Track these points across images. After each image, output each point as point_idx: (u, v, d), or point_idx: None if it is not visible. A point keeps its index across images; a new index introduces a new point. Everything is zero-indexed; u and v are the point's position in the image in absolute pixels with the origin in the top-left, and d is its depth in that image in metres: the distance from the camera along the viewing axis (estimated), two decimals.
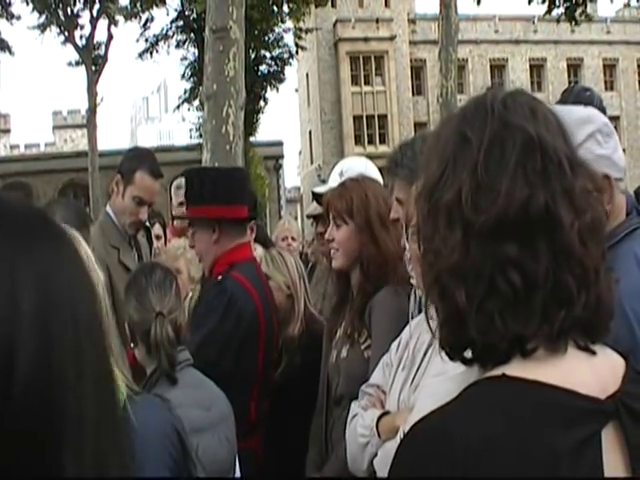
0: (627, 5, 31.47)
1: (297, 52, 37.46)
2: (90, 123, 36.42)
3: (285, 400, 4.54)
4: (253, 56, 33.79)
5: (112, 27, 37.12)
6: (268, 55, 36.68)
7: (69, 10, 36.34)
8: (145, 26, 35.66)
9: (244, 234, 4.74)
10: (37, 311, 0.87)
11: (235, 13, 10.58)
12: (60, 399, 0.87)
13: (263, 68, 36.56)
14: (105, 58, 37.41)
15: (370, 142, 63.32)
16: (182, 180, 8.05)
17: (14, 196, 3.02)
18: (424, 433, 1.39)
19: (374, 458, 2.97)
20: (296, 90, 71.82)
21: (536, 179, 1.38)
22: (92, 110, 36.26)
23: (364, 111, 64.74)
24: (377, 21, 65.15)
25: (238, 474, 3.78)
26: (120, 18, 36.23)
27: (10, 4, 35.34)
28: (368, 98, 64.99)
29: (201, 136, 26.56)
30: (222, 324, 4.32)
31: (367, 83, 65.36)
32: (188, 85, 37.02)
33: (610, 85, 70.64)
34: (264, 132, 43.01)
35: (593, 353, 1.40)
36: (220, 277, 4.48)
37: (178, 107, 38.26)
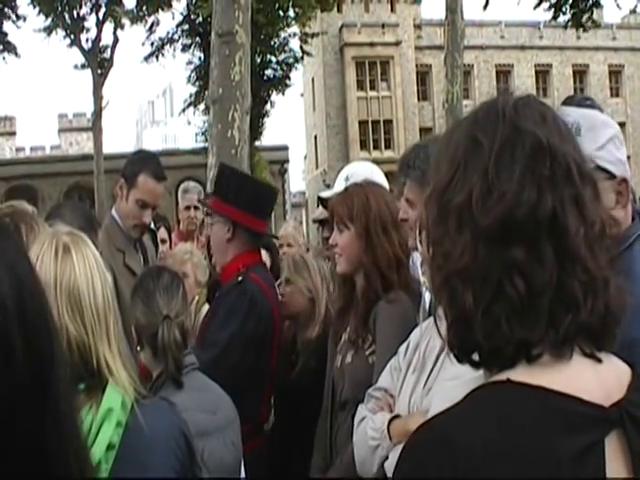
0: (633, 11, 31.41)
1: (303, 57, 37.46)
2: (96, 126, 36.46)
3: (297, 402, 4.57)
4: (259, 60, 33.80)
5: (118, 30, 37.15)
6: (274, 59, 36.67)
7: (75, 13, 36.39)
8: (151, 30, 35.69)
9: (255, 245, 4.82)
10: (14, 292, 1.12)
11: (241, 17, 10.60)
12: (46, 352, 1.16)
13: (269, 72, 36.56)
14: (111, 61, 37.44)
15: (375, 147, 63.33)
16: (189, 184, 8.11)
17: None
18: (427, 437, 1.40)
19: (385, 461, 2.96)
20: (301, 95, 71.83)
21: (545, 184, 1.38)
22: (98, 113, 36.29)
23: (369, 116, 64.75)
24: (383, 26, 65.19)
25: (243, 476, 3.78)
26: (126, 21, 36.25)
27: (17, 6, 35.39)
28: (374, 103, 65.01)
29: (206, 140, 26.58)
30: (245, 325, 4.43)
31: (373, 88, 65.36)
32: (194, 89, 37.01)
33: (616, 91, 70.63)
34: (269, 136, 43.11)
35: (599, 361, 1.39)
36: (240, 278, 4.55)
37: (184, 111, 38.27)
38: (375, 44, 64.92)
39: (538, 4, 28.33)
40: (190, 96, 37.45)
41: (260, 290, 4.58)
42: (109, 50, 37.61)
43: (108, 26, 37.21)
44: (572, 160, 1.42)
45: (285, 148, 52.32)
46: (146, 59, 36.17)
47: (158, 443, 2.27)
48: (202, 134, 36.95)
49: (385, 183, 4.72)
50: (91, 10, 36.74)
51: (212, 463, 3.17)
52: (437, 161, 1.55)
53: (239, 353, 4.39)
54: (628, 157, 3.13)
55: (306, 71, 60.11)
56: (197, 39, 34.80)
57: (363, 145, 63.21)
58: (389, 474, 2.93)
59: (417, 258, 4.03)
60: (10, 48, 36.49)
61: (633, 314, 1.47)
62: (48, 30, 36.53)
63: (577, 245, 1.37)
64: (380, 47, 65.05)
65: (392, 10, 66.71)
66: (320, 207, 5.62)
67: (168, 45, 35.89)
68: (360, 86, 65.34)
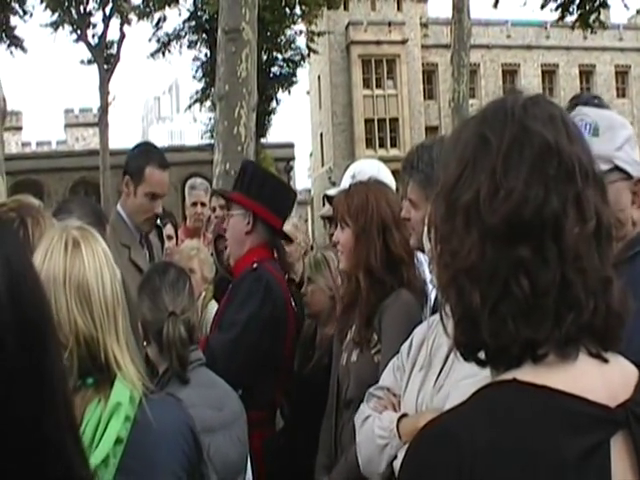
0: None
1: (309, 55, 37.46)
2: (102, 122, 36.54)
3: (308, 397, 4.60)
4: (265, 58, 33.84)
5: (125, 26, 37.21)
6: (280, 57, 36.69)
7: (82, 8, 36.48)
8: (157, 26, 35.73)
9: (271, 241, 4.87)
10: (7, 281, 1.16)
11: (248, 14, 10.61)
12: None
13: (275, 70, 36.61)
14: (117, 57, 37.50)
15: (381, 145, 63.26)
16: (196, 180, 8.12)
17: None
18: (433, 435, 1.40)
19: (393, 460, 2.96)
20: (307, 92, 71.79)
21: (551, 184, 1.38)
22: (104, 109, 36.36)
23: (375, 114, 64.67)
24: (389, 24, 65.12)
25: (249, 476, 3.79)
26: (133, 17, 36.29)
27: (24, 1, 35.42)
28: (380, 101, 64.93)
29: (212, 137, 26.59)
30: (262, 308, 4.50)
31: (379, 86, 65.28)
32: (200, 85, 37.10)
33: (622, 92, 70.49)
34: (275, 134, 43.15)
35: (605, 361, 1.39)
36: (255, 265, 4.62)
37: (190, 107, 38.38)
38: (381, 42, 64.83)
39: (544, 4, 28.32)
40: (196, 93, 37.54)
41: (274, 279, 4.66)
42: (115, 46, 37.70)
43: (115, 22, 37.43)
44: (577, 161, 1.42)
45: (291, 145, 52.36)
46: (152, 55, 36.21)
47: (166, 438, 2.28)
48: (208, 131, 37.00)
49: (392, 181, 4.73)
50: (98, 6, 36.80)
51: (218, 459, 3.17)
52: (445, 158, 1.55)
53: (257, 334, 4.46)
54: None
55: (312, 69, 60.11)
56: (203, 36, 34.84)
57: (369, 143, 63.16)
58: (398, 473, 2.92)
59: (421, 257, 4.02)
60: (17, 42, 36.53)
61: None
62: (55, 25, 36.63)
63: (579, 245, 1.37)
64: (386, 45, 64.97)
65: (399, 8, 66.64)
66: (327, 204, 5.63)
67: (175, 41, 35.93)
68: (366, 84, 65.27)
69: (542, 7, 28.67)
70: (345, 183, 5.02)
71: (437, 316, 3.13)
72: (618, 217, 2.67)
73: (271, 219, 4.76)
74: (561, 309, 1.36)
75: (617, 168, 2.81)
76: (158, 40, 36.07)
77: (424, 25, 67.92)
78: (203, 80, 36.36)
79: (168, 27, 54.84)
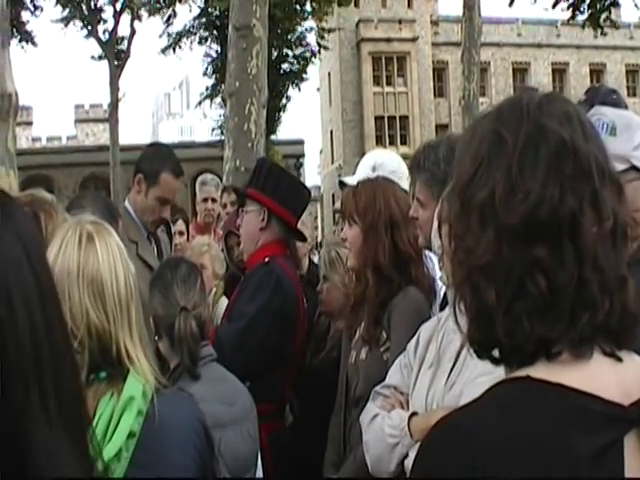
0: None
1: (319, 51, 37.43)
2: (112, 117, 36.58)
3: (317, 390, 4.60)
4: (275, 54, 33.80)
5: (135, 22, 37.23)
6: (290, 54, 36.67)
7: (92, 4, 36.51)
8: (168, 22, 35.75)
9: (285, 238, 4.89)
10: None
11: (258, 11, 10.63)
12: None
13: (285, 66, 36.57)
14: (128, 53, 37.54)
15: (391, 143, 63.19)
16: (207, 176, 8.13)
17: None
18: (445, 432, 1.40)
19: (404, 459, 2.95)
20: (318, 89, 71.75)
21: (566, 183, 1.38)
22: (114, 104, 36.40)
23: (385, 112, 64.68)
24: (400, 22, 65.10)
25: (260, 473, 3.79)
26: (143, 13, 36.33)
27: None
28: (390, 99, 64.95)
29: (222, 133, 26.61)
30: (271, 301, 4.51)
31: (389, 84, 65.29)
32: (210, 82, 37.09)
33: (633, 91, 70.28)
34: (285, 130, 43.09)
35: (619, 360, 1.39)
36: (266, 259, 4.65)
37: (200, 103, 38.34)
38: (392, 40, 64.83)
39: (555, 3, 28.25)
40: (206, 89, 37.53)
41: (285, 274, 4.67)
42: (126, 41, 37.72)
43: (125, 17, 37.37)
44: (594, 160, 1.42)
45: (301, 142, 52.31)
46: (163, 51, 36.24)
47: (178, 433, 2.29)
48: (218, 127, 37.01)
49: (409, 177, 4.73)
50: (108, 1, 36.84)
51: (228, 454, 3.17)
52: (460, 154, 1.55)
53: (266, 327, 4.47)
54: None
55: (322, 66, 60.00)
56: (214, 32, 34.81)
57: (379, 141, 63.11)
58: (409, 472, 2.91)
59: (430, 254, 4.02)
60: (28, 37, 36.59)
61: None
62: (65, 21, 36.68)
63: (594, 245, 1.36)
64: (397, 43, 64.97)
65: (409, 6, 66.61)
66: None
67: (185, 38, 35.94)
68: (376, 81, 65.28)
69: (554, 6, 28.61)
70: (363, 174, 4.99)
71: (445, 312, 3.14)
72: (633, 217, 2.67)
73: (286, 216, 4.78)
74: (577, 308, 1.36)
75: (634, 167, 2.82)
76: (169, 36, 36.13)
77: (434, 23, 67.91)
78: (213, 76, 36.36)
79: (179, 23, 54.93)
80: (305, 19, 35.13)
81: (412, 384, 3.10)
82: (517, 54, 69.37)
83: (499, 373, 1.48)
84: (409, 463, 2.92)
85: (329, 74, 67.94)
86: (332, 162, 68.21)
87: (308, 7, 34.19)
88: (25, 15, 35.94)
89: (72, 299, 2.22)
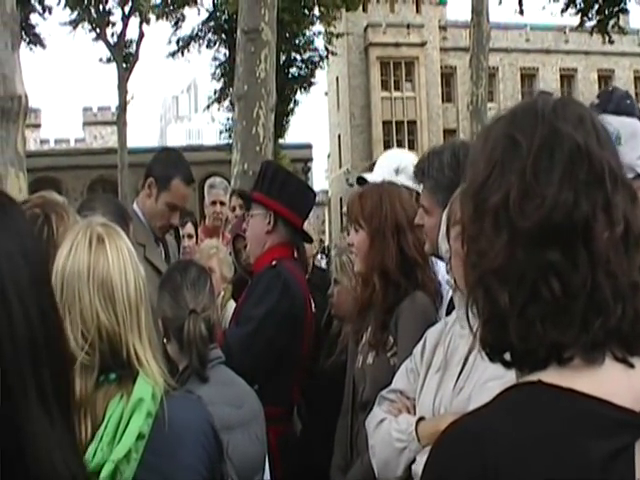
0: None
1: (327, 56, 37.47)
2: (120, 120, 36.62)
3: (322, 390, 4.61)
4: (284, 58, 33.85)
5: (143, 25, 37.29)
6: (299, 58, 36.71)
7: (101, 7, 36.55)
8: (177, 25, 35.81)
9: (291, 240, 4.90)
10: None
11: (267, 15, 10.64)
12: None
13: (293, 71, 36.63)
14: (136, 56, 37.59)
15: (399, 147, 63.14)
16: (215, 179, 8.14)
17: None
18: (456, 437, 1.40)
19: (412, 463, 2.94)
20: (326, 93, 71.79)
21: (581, 188, 1.37)
22: (122, 107, 36.45)
23: (393, 116, 64.68)
24: (408, 27, 65.12)
25: (267, 476, 3.79)
26: (152, 16, 36.37)
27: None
28: (398, 104, 64.94)
29: (230, 136, 26.62)
30: (279, 303, 4.52)
31: (397, 89, 65.29)
32: (218, 85, 37.15)
33: None
34: (293, 135, 43.15)
35: (631, 366, 1.38)
36: (274, 262, 4.66)
37: (208, 107, 38.38)
38: (400, 44, 64.85)
39: (564, 10, 28.27)
40: (215, 92, 37.58)
41: (293, 276, 4.69)
42: (134, 44, 37.77)
43: (134, 21, 37.41)
44: (607, 165, 1.41)
45: (309, 146, 52.37)
46: (172, 55, 36.31)
47: (187, 435, 2.30)
48: (226, 130, 37.06)
49: None
50: (117, 4, 36.90)
51: (236, 457, 3.17)
52: (473, 158, 1.54)
53: (273, 329, 4.48)
54: None
55: (330, 70, 60.01)
56: (222, 36, 34.86)
57: (387, 145, 62.83)
58: (417, 477, 2.88)
59: (436, 262, 4.02)
60: (37, 40, 36.68)
61: None
62: (74, 23, 36.73)
63: (607, 250, 1.36)
64: (405, 48, 64.98)
65: (417, 11, 66.66)
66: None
67: (194, 41, 36.01)
68: (384, 86, 65.28)
69: (562, 12, 28.65)
70: (385, 174, 4.96)
71: (452, 317, 3.14)
72: None
73: (292, 218, 4.79)
74: (589, 313, 1.36)
75: (639, 176, 2.81)
76: (178, 41, 36.19)
77: (443, 28, 67.93)
78: (222, 80, 36.41)
79: (187, 27, 54.99)
80: (313, 23, 35.17)
81: (419, 388, 3.09)
82: (525, 60, 69.36)
83: (509, 378, 1.48)
84: (416, 468, 2.91)
85: (337, 78, 67.96)
86: (340, 166, 68.24)
87: (316, 11, 34.22)
88: (34, 18, 36.06)
89: (82, 301, 2.23)
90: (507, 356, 1.44)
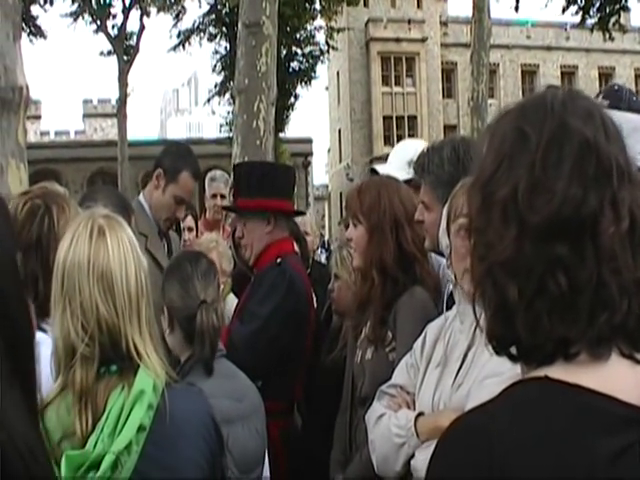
0: None
1: (328, 50, 37.45)
2: (120, 113, 36.63)
3: (325, 386, 4.61)
4: (285, 52, 33.83)
5: (144, 18, 37.29)
6: (299, 52, 36.70)
7: None
8: (177, 18, 35.80)
9: (289, 229, 4.94)
10: None
11: (268, 8, 10.63)
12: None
13: (294, 65, 36.62)
14: (136, 48, 37.58)
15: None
16: (216, 172, 8.12)
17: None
18: (463, 431, 1.39)
19: (411, 459, 2.95)
20: (326, 88, 71.73)
21: (589, 183, 1.37)
22: (122, 100, 36.46)
23: (394, 112, 64.63)
24: (409, 22, 65.04)
25: (267, 470, 3.79)
26: (153, 9, 36.38)
27: None
28: (398, 99, 64.89)
29: (231, 130, 26.62)
30: (285, 301, 4.54)
31: (398, 84, 65.22)
32: (219, 79, 37.15)
33: None
34: (294, 129, 43.12)
35: (637, 362, 1.38)
36: (278, 260, 4.66)
37: (208, 100, 38.37)
38: (401, 40, 64.78)
39: (566, 8, 28.28)
40: (215, 86, 37.58)
41: (298, 274, 4.70)
42: (135, 37, 37.76)
43: (135, 13, 37.41)
44: (614, 160, 1.41)
45: (309, 141, 52.35)
46: (173, 49, 36.31)
47: (188, 427, 2.30)
48: (226, 124, 37.05)
49: None
50: None
51: (236, 450, 3.18)
52: (481, 150, 1.54)
53: (279, 327, 4.50)
54: None
55: (331, 65, 59.99)
56: (223, 29, 34.85)
57: (387, 140, 62.97)
58: (416, 472, 2.90)
59: (435, 257, 4.01)
60: (38, 31, 36.65)
61: None
62: (75, 15, 36.73)
63: (614, 246, 1.36)
64: (406, 43, 64.91)
65: (418, 6, 66.56)
66: None
67: (194, 34, 36.00)
68: (385, 81, 65.23)
69: (563, 11, 28.66)
70: (399, 167, 4.93)
71: (452, 312, 3.13)
72: None
73: (285, 206, 4.83)
74: (595, 308, 1.35)
75: None
76: (178, 34, 36.19)
77: (444, 23, 67.86)
78: (222, 73, 36.41)
79: (188, 20, 54.96)
80: (314, 18, 35.15)
81: (418, 384, 3.10)
82: (526, 56, 69.31)
83: (508, 375, 1.48)
84: (415, 463, 2.92)
85: (338, 73, 67.92)
86: (340, 161, 68.22)
87: (317, 5, 34.22)
88: (35, 9, 36.03)
89: (82, 293, 2.23)
90: (513, 350, 1.44)
